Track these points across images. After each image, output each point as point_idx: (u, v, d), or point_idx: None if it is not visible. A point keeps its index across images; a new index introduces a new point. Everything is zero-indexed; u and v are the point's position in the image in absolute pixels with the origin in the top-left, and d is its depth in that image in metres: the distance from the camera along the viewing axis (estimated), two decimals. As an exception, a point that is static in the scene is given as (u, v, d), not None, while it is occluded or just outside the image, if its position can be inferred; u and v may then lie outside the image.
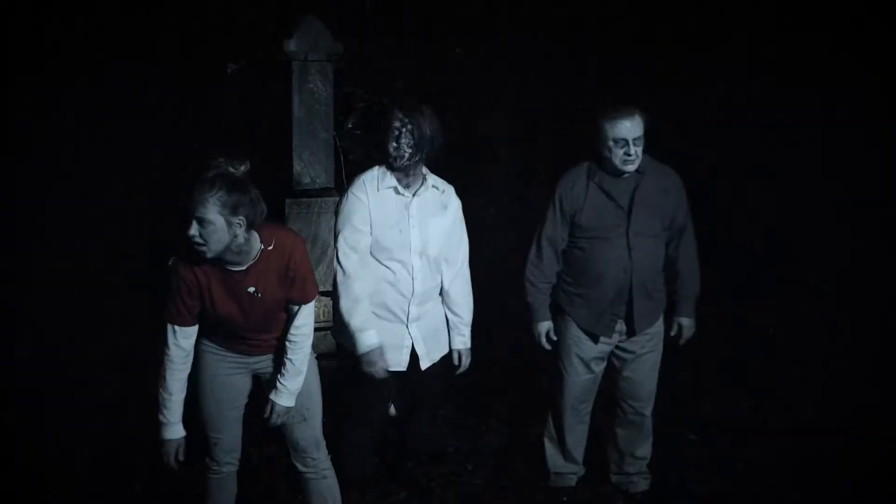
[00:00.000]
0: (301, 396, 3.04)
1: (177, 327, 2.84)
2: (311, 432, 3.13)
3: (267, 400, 3.01)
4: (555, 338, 3.63)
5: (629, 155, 3.37)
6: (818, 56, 5.33)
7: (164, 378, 2.88)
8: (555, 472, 3.84)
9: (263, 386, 3.08)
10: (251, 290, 2.84)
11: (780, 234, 5.63)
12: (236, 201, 2.67)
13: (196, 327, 2.88)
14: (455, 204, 3.42)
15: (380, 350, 3.26)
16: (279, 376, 2.99)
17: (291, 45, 4.97)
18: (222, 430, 3.05)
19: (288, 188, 5.15)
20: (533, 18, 6.14)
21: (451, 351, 3.51)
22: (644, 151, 3.42)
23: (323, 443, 3.18)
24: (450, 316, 3.48)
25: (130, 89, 5.60)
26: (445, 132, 3.31)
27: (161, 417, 2.91)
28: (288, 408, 3.01)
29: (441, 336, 3.48)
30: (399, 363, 3.37)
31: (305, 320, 2.97)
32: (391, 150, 3.21)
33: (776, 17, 5.57)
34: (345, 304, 3.23)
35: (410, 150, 3.19)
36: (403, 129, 3.19)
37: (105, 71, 5.52)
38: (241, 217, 2.69)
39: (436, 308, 3.44)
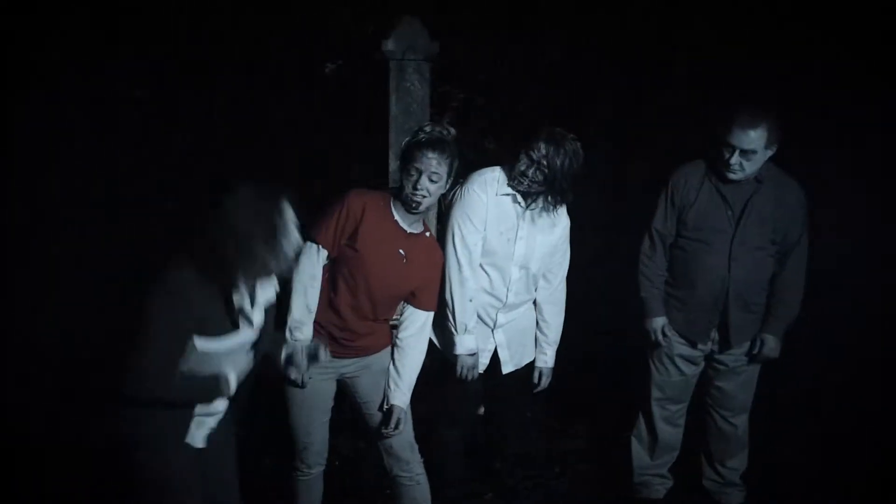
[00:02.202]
0: None
1: (320, 246, 2.88)
2: (404, 435, 3.14)
3: (389, 409, 3.05)
4: (669, 334, 3.55)
5: (731, 163, 3.27)
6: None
7: (305, 296, 2.87)
8: (640, 476, 3.77)
9: (348, 389, 3.12)
10: (402, 252, 2.92)
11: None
12: (454, 161, 2.83)
13: (325, 264, 2.93)
14: (564, 223, 3.32)
15: (477, 355, 3.29)
16: (397, 379, 3.05)
17: (389, 45, 5.03)
18: (312, 434, 3.09)
19: (384, 187, 5.21)
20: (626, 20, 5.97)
21: (533, 367, 3.46)
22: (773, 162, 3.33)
23: (416, 446, 3.19)
24: (538, 334, 3.43)
25: (225, 89, 5.76)
26: (580, 169, 3.16)
27: (286, 335, 2.87)
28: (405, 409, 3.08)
29: (527, 342, 3.44)
30: (480, 364, 3.37)
31: (428, 328, 3.09)
32: (518, 172, 3.15)
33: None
34: (458, 303, 3.21)
35: (535, 184, 3.13)
36: (539, 163, 3.10)
37: (210, 72, 5.70)
38: (451, 178, 2.85)
39: (524, 315, 3.40)
